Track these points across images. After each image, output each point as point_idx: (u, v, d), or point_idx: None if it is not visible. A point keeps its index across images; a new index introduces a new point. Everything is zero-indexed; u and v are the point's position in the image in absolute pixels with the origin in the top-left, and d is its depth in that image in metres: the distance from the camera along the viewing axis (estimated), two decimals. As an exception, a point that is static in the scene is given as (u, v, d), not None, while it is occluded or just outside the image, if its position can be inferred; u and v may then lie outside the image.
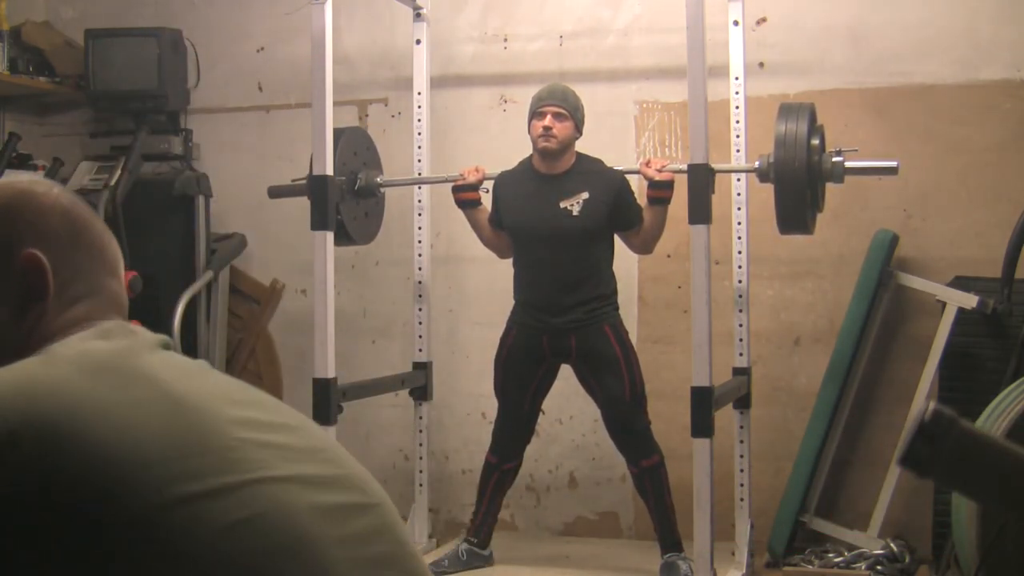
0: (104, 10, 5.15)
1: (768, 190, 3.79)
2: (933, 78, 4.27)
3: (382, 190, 4.33)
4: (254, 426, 1.06)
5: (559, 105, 3.89)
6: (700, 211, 3.55)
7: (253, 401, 1.12)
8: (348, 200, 4.14)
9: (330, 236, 3.84)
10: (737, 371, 4.12)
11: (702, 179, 3.55)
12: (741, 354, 4.13)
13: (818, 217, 3.90)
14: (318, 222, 3.83)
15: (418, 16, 4.45)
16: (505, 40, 4.75)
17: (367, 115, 4.89)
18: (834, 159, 3.73)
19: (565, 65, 4.64)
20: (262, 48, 5.04)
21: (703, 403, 3.51)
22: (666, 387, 4.36)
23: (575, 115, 3.92)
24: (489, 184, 4.07)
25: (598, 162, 3.99)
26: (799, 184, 3.68)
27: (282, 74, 4.97)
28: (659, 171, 3.84)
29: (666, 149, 4.54)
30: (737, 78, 4.14)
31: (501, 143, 4.50)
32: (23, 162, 4.72)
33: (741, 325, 4.13)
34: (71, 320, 1.14)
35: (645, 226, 3.91)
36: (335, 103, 3.87)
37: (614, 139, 4.52)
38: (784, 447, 4.31)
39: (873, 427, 4.28)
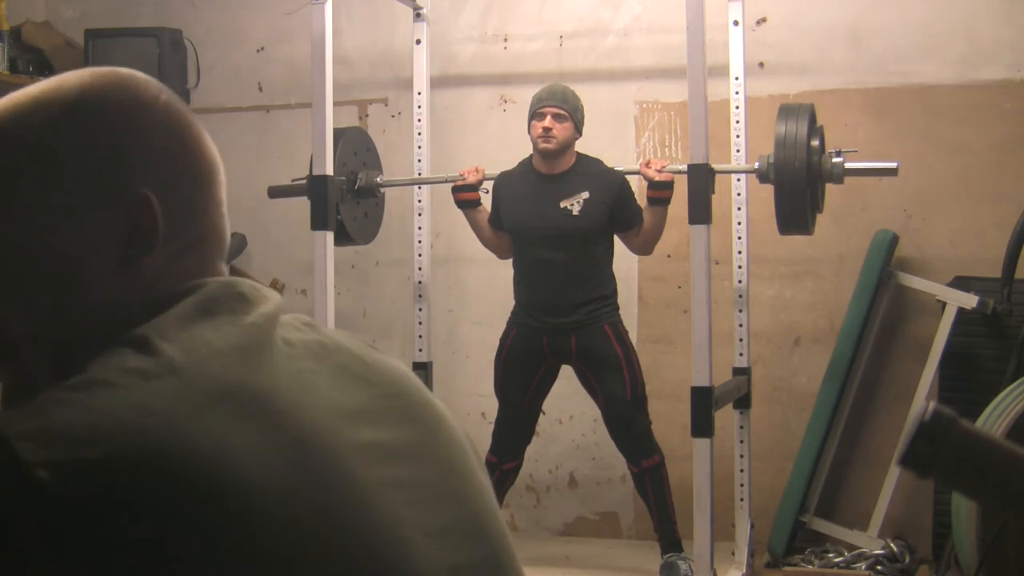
0: (104, 10, 5.15)
1: (768, 190, 3.79)
2: (933, 78, 4.27)
3: (382, 190, 4.33)
4: (379, 455, 0.87)
5: (559, 106, 3.89)
6: (700, 211, 3.55)
7: (371, 408, 0.91)
8: (348, 200, 4.14)
9: (330, 236, 3.84)
10: (737, 371, 4.13)
11: (702, 179, 3.55)
12: (741, 354, 4.13)
13: (818, 217, 3.91)
14: (318, 222, 3.83)
15: (418, 16, 4.45)
16: (505, 40, 4.75)
17: (367, 115, 4.89)
18: (834, 159, 3.73)
19: (565, 65, 4.64)
20: (262, 48, 5.04)
21: (703, 403, 3.50)
22: (666, 387, 4.37)
23: (575, 116, 3.92)
24: (489, 184, 4.08)
25: (598, 162, 3.99)
26: (799, 184, 3.68)
27: (282, 74, 4.97)
28: (659, 171, 3.84)
29: (666, 149, 4.55)
30: (737, 78, 4.14)
31: (501, 143, 4.50)
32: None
33: (741, 325, 4.13)
34: (177, 276, 0.88)
35: (645, 227, 3.91)
36: (335, 103, 3.86)
37: (614, 139, 4.52)
38: (784, 447, 4.30)
39: (873, 427, 4.28)
